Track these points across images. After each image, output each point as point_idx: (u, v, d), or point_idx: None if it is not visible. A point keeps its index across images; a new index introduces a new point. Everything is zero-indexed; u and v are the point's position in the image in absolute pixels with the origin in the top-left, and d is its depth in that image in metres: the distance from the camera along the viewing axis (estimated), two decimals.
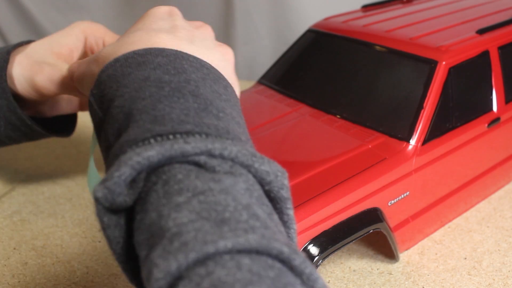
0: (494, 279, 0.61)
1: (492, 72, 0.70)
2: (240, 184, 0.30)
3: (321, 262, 0.53)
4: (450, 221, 0.71)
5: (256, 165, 0.32)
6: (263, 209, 0.31)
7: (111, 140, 0.34)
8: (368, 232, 0.57)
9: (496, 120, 0.70)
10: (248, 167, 0.32)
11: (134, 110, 0.34)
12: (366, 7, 0.86)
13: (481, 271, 0.63)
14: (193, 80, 0.36)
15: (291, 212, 0.35)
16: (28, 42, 0.63)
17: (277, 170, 0.33)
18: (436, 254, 0.66)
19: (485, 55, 0.69)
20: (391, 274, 0.63)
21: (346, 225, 0.56)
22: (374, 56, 0.71)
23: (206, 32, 0.45)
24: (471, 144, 0.68)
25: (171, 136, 0.31)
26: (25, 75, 0.58)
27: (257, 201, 0.31)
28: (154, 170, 0.31)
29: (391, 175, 0.59)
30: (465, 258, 0.65)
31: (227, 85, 0.39)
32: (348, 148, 0.61)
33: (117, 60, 0.38)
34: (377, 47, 0.71)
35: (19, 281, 0.62)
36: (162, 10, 0.44)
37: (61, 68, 0.56)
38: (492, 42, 0.70)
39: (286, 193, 0.34)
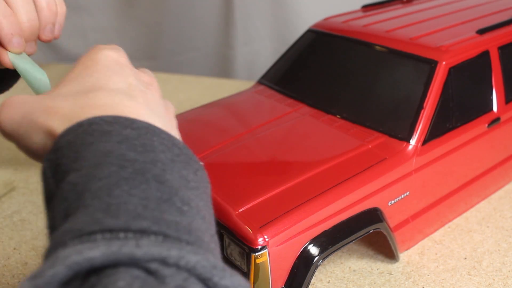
0: (494, 279, 0.61)
1: (492, 72, 0.70)
2: None
3: (321, 262, 0.53)
4: (450, 221, 0.71)
5: (216, 279, 0.28)
6: None
7: (58, 221, 0.30)
8: (368, 232, 0.57)
9: (496, 120, 0.70)
10: (205, 281, 0.28)
11: (87, 192, 0.29)
12: (366, 7, 0.86)
13: (481, 271, 0.63)
14: (161, 161, 0.32)
15: None
16: None
17: (239, 284, 0.29)
18: (436, 254, 0.66)
19: (485, 55, 0.69)
20: (391, 274, 0.63)
21: (346, 225, 0.56)
22: (374, 56, 0.71)
23: (156, 92, 0.40)
24: (471, 144, 0.68)
25: (121, 235, 0.27)
26: None
27: None
28: (95, 270, 0.27)
29: (391, 175, 0.59)
30: (465, 258, 0.65)
31: (198, 169, 0.35)
32: (348, 148, 0.61)
33: (80, 124, 0.33)
34: (377, 47, 0.71)
35: (19, 281, 0.62)
36: (110, 58, 0.38)
37: None
38: (492, 42, 0.70)
39: None
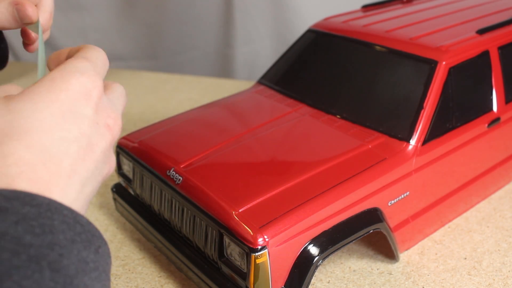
0: (494, 279, 0.61)
1: (492, 72, 0.70)
2: None
3: (321, 262, 0.53)
4: (450, 221, 0.71)
5: None
6: None
7: None
8: (368, 232, 0.57)
9: (496, 120, 0.70)
10: None
11: None
12: (366, 7, 0.86)
13: (481, 271, 0.63)
14: (59, 245, 0.29)
15: None
16: None
17: None
18: (436, 254, 0.66)
19: (485, 55, 0.69)
20: (391, 274, 0.63)
21: (346, 225, 0.56)
22: (374, 56, 0.71)
23: (111, 137, 0.36)
24: (471, 144, 0.68)
25: None
26: None
27: None
28: None
29: (391, 175, 0.59)
30: (465, 258, 0.65)
31: (99, 246, 0.32)
32: (348, 148, 0.61)
33: None
34: (377, 47, 0.71)
35: None
36: (81, 91, 0.34)
37: None
38: (492, 42, 0.70)
39: None
